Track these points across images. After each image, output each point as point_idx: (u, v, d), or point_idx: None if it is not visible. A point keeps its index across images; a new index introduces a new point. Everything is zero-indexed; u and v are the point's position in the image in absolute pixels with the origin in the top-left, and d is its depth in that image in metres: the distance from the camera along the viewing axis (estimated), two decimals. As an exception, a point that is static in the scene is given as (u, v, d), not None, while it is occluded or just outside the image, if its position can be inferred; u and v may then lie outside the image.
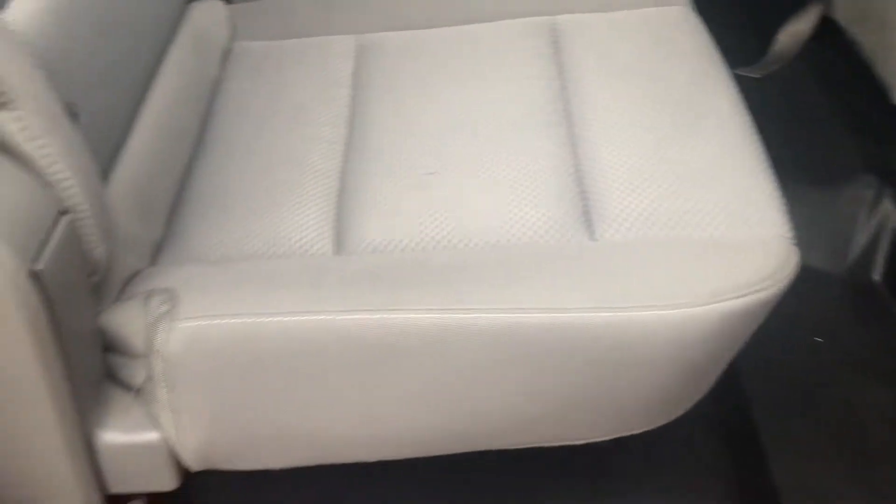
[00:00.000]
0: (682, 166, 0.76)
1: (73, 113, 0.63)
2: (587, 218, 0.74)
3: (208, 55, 0.96)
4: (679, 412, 0.74)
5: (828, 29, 1.26)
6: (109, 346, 0.69)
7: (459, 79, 0.91)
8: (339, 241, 0.76)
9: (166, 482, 0.71)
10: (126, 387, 0.70)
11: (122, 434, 0.69)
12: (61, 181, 0.58)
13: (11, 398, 0.62)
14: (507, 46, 0.95)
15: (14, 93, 0.54)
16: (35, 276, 0.55)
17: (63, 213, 0.59)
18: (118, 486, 0.72)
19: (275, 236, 0.76)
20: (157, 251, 0.77)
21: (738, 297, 0.64)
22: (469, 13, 1.00)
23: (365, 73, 0.94)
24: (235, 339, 0.64)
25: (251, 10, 1.06)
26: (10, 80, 0.53)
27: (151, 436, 0.68)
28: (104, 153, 0.71)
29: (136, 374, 0.68)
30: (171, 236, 0.78)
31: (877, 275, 1.04)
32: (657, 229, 0.71)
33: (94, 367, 0.68)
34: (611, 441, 0.73)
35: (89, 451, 0.68)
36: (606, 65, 0.90)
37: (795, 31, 1.30)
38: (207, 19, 0.98)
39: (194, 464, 0.70)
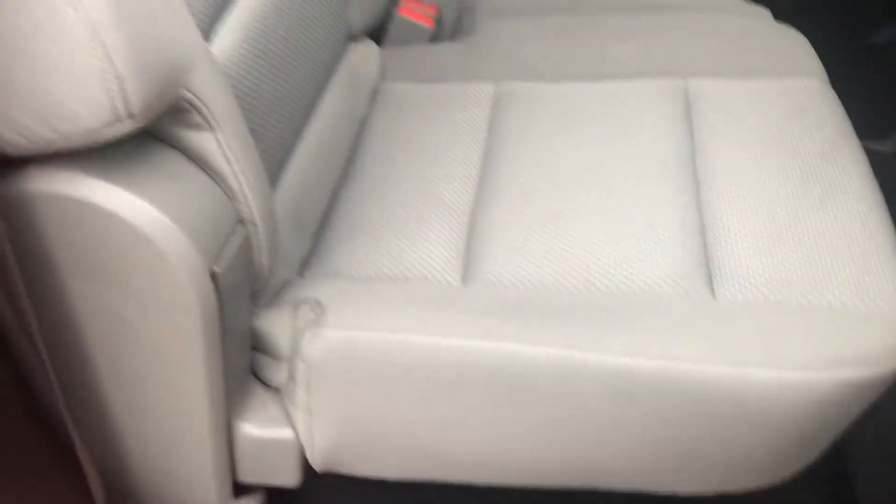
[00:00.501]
0: (808, 234, 0.79)
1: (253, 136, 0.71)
2: (709, 275, 0.77)
3: (360, 92, 1.04)
4: (785, 475, 0.75)
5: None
6: (257, 346, 0.76)
7: (592, 132, 0.95)
8: (467, 273, 0.81)
9: (290, 478, 0.78)
10: (267, 385, 0.77)
11: (258, 428, 0.76)
12: (243, 196, 0.66)
13: (172, 381, 0.69)
14: (640, 105, 0.99)
15: (217, 117, 0.62)
16: (214, 277, 0.63)
17: (240, 223, 0.67)
18: (246, 476, 0.79)
19: (409, 262, 0.82)
20: (304, 264, 0.85)
21: (855, 368, 0.66)
22: (605, 69, 1.05)
23: (500, 120, 1.00)
24: (373, 351, 0.70)
25: (400, 54, 1.14)
26: (216, 106, 0.62)
27: (285, 432, 0.75)
28: (271, 171, 0.79)
29: (278, 375, 0.75)
30: (317, 252, 0.86)
31: None
32: (779, 293, 0.73)
33: (243, 363, 0.75)
34: (714, 497, 0.75)
35: (228, 440, 0.75)
36: (737, 130, 0.93)
37: (930, 110, 1.29)
38: (361, 60, 1.07)
39: (319, 464, 0.76)
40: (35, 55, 0.51)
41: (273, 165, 0.81)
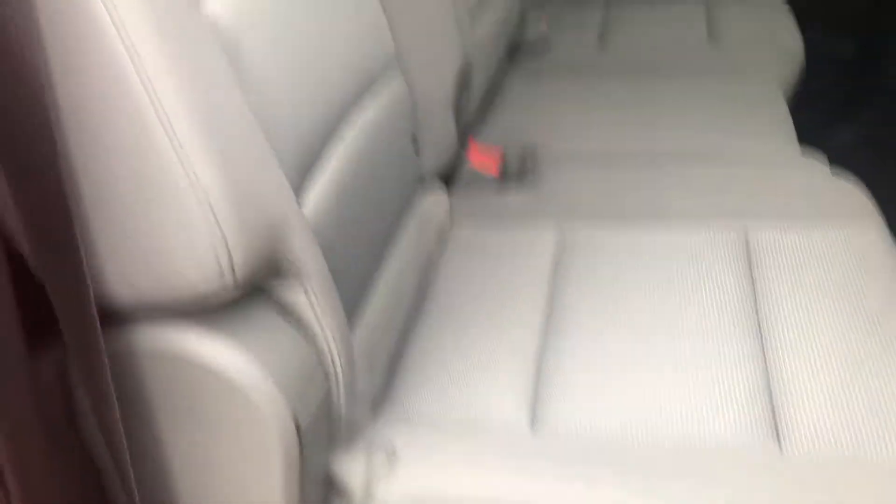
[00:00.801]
0: (875, 387, 0.79)
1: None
2: (775, 429, 0.78)
3: (429, 236, 1.10)
4: None
5: None
6: (330, 488, 0.78)
7: (655, 280, 0.98)
8: (535, 419, 0.83)
9: None
10: (337, 527, 0.79)
11: (327, 570, 0.77)
12: (327, 346, 0.70)
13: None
14: (701, 253, 1.02)
15: (307, 272, 0.67)
16: (297, 426, 0.66)
17: (323, 372, 0.71)
18: None
19: (478, 407, 0.84)
20: (376, 404, 0.88)
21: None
22: (666, 218, 1.09)
23: (566, 265, 1.04)
24: (444, 499, 0.71)
25: (467, 198, 1.20)
26: (307, 264, 0.67)
27: (353, 577, 0.76)
28: (348, 313, 0.84)
29: (350, 519, 0.77)
30: (389, 393, 0.89)
31: None
32: (848, 448, 0.73)
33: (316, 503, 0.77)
34: None
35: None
36: (799, 281, 0.95)
37: None
38: (432, 205, 1.13)
39: None
40: (152, 222, 0.57)
41: (349, 308, 0.85)
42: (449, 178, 1.24)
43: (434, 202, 1.13)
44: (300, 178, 0.75)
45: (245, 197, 0.58)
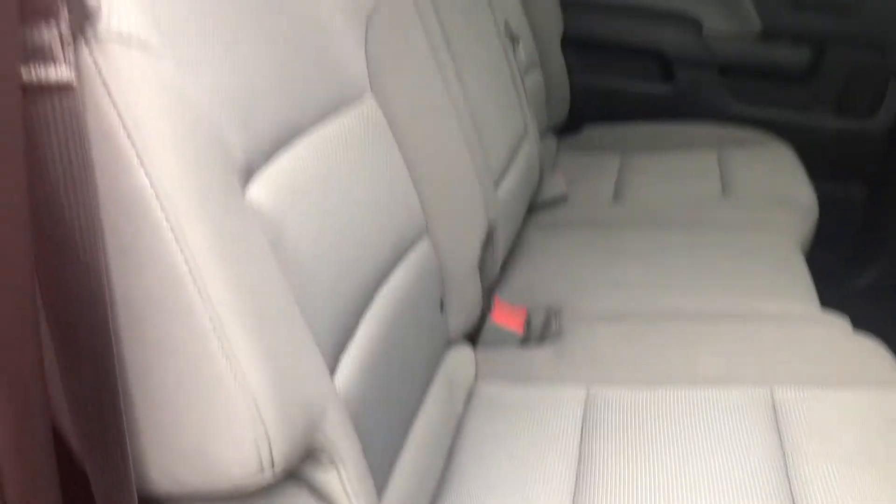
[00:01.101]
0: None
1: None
2: None
3: (456, 394, 1.11)
4: None
5: None
6: None
7: (683, 443, 0.98)
8: None
9: None
10: None
11: None
12: (359, 528, 0.70)
13: None
14: (729, 414, 1.02)
15: (341, 457, 0.68)
16: None
17: (353, 552, 0.70)
18: None
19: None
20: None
21: None
22: (691, 377, 1.09)
23: (591, 428, 1.03)
24: None
25: (493, 356, 1.21)
26: (340, 445, 0.68)
27: None
28: (378, 483, 0.83)
29: None
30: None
31: None
32: None
33: None
34: None
35: None
36: (827, 442, 0.95)
37: None
38: (458, 363, 1.14)
39: None
40: (197, 418, 0.59)
41: (378, 478, 0.85)
42: (474, 334, 1.26)
43: (460, 361, 1.15)
44: (335, 355, 0.77)
45: (289, 393, 0.60)
